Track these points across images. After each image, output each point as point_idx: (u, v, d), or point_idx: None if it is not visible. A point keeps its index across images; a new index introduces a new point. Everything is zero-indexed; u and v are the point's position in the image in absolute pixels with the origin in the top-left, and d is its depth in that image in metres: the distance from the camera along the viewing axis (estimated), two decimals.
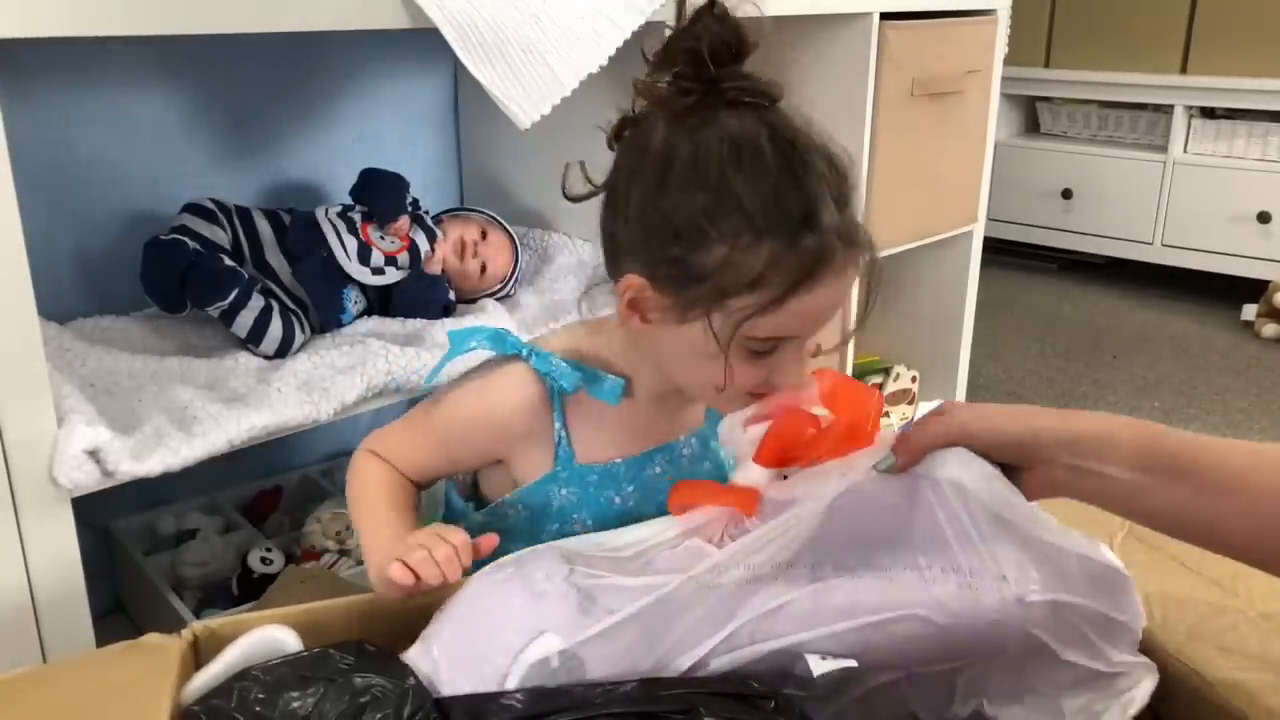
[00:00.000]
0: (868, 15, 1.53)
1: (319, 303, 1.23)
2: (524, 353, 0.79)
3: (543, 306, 1.38)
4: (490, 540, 0.74)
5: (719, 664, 0.65)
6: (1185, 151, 2.88)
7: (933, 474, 0.67)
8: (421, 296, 1.29)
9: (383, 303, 1.30)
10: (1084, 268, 3.18)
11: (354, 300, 1.27)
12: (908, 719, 0.71)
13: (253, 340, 1.15)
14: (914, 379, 2.02)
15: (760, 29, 0.71)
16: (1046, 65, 3.07)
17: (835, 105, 1.57)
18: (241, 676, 0.63)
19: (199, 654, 0.69)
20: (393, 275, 1.28)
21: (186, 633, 0.69)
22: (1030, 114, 3.31)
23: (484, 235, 1.38)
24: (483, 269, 1.36)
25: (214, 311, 1.15)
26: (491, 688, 0.64)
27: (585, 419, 0.81)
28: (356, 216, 1.27)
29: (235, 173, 1.40)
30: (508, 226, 1.42)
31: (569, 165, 0.78)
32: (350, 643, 0.67)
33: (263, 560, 1.30)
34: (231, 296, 1.14)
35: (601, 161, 0.77)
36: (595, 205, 0.77)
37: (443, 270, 1.33)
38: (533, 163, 1.54)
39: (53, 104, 1.23)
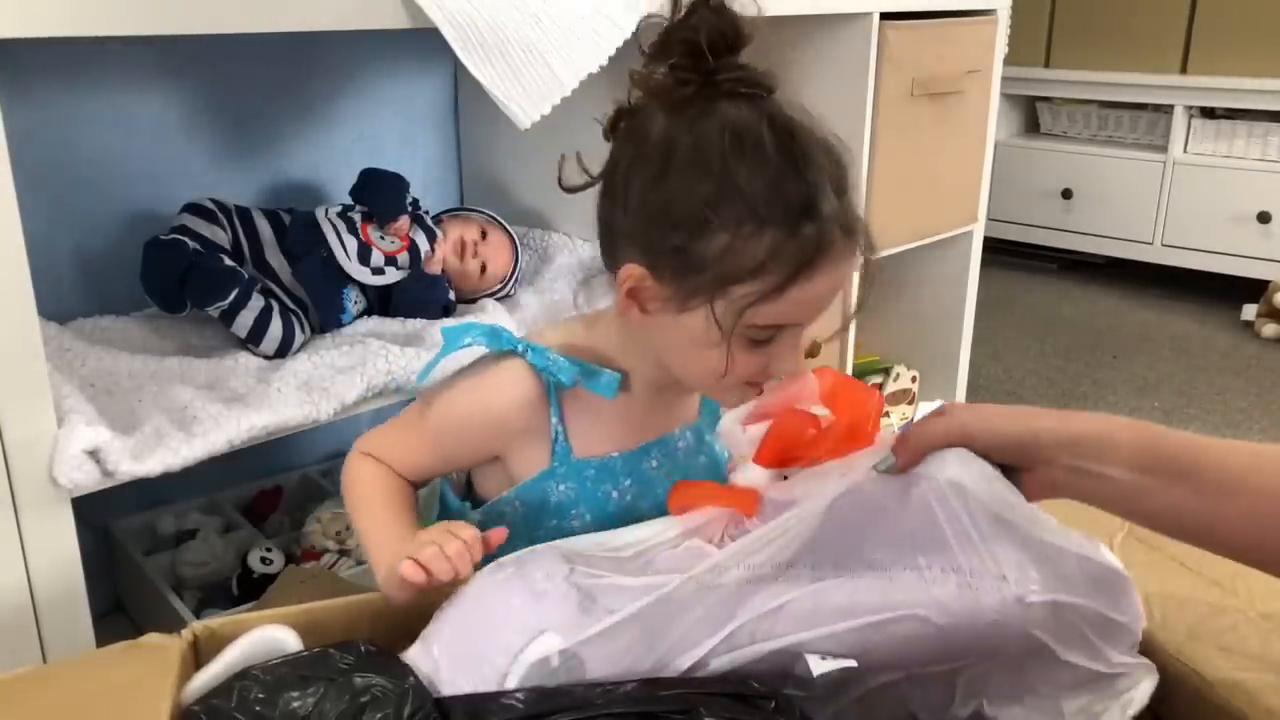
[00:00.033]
0: (868, 15, 1.53)
1: (319, 303, 1.23)
2: (520, 348, 0.79)
3: (543, 306, 1.38)
4: (500, 534, 0.74)
5: (719, 664, 0.65)
6: (1185, 151, 2.88)
7: (933, 474, 0.67)
8: (421, 296, 1.29)
9: (383, 303, 1.30)
10: (1084, 268, 3.18)
11: (354, 300, 1.27)
12: (908, 719, 0.72)
13: (253, 340, 1.15)
14: (914, 379, 2.02)
15: (754, 22, 0.71)
16: (1046, 65, 3.07)
17: (835, 105, 1.57)
18: (241, 676, 0.63)
19: (199, 654, 0.69)
20: (393, 275, 1.28)
21: (186, 633, 0.69)
22: (1030, 114, 3.31)
23: (484, 235, 1.38)
24: (483, 269, 1.36)
25: (214, 311, 1.15)
26: (491, 687, 0.64)
27: (582, 414, 0.81)
28: (356, 216, 1.27)
29: (235, 173, 1.40)
30: (508, 226, 1.42)
31: (565, 157, 0.78)
32: (350, 643, 0.67)
33: (263, 560, 1.30)
34: (231, 296, 1.14)
35: (600, 158, 0.77)
36: (595, 205, 0.77)
37: (443, 270, 1.33)
38: (533, 163, 1.54)
39: (53, 104, 1.23)
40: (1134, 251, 2.99)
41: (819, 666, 0.63)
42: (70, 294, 1.27)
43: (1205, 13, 2.76)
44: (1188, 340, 2.64)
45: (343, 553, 1.36)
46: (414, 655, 0.67)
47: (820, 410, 0.74)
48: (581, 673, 0.64)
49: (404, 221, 1.29)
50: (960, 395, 2.04)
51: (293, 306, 1.20)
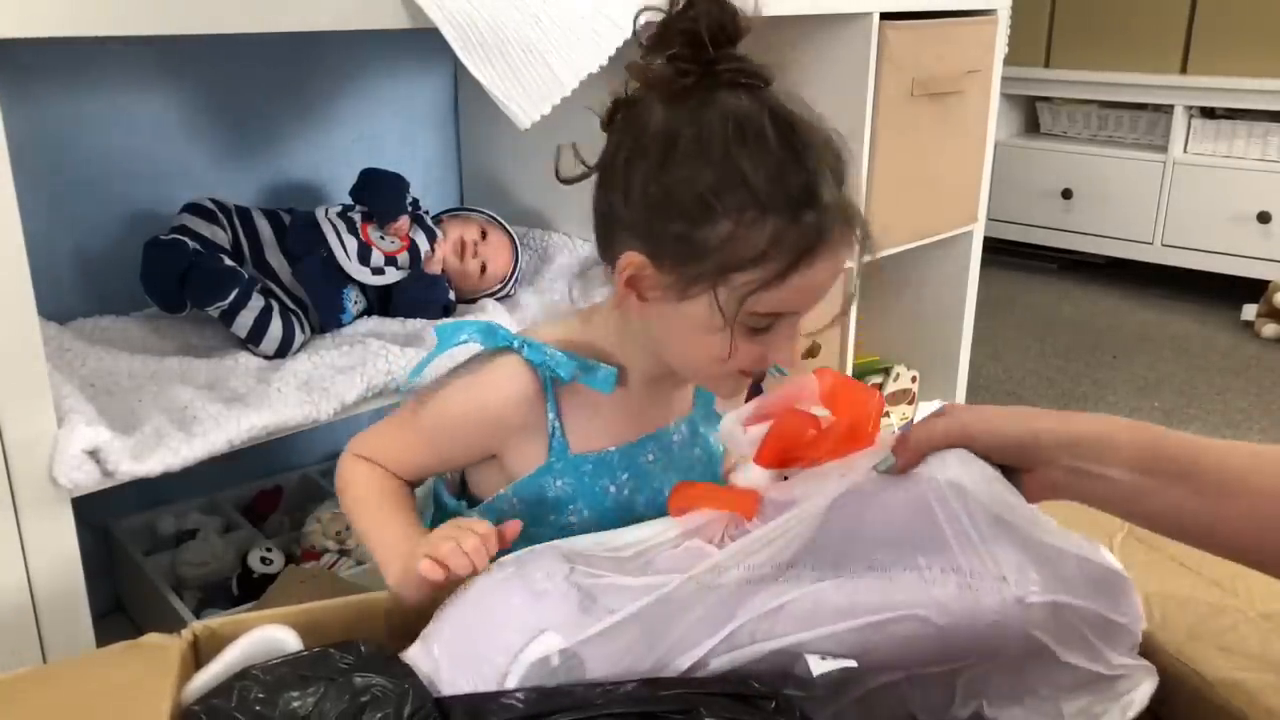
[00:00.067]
0: (868, 15, 1.53)
1: (319, 303, 1.23)
2: (515, 344, 0.79)
3: (543, 306, 1.38)
4: (514, 526, 0.74)
5: (719, 664, 0.65)
6: (1185, 151, 2.88)
7: (933, 475, 0.67)
8: (421, 296, 1.29)
9: (383, 303, 1.30)
10: (1084, 268, 3.18)
11: (354, 300, 1.27)
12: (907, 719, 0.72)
13: (253, 340, 1.15)
14: (914, 379, 2.02)
15: (750, 17, 0.72)
16: (1046, 65, 3.07)
17: (835, 105, 1.55)
18: (242, 676, 0.63)
19: (199, 654, 0.69)
20: (393, 275, 1.28)
21: (186, 633, 0.69)
22: (1030, 114, 3.31)
23: (484, 235, 1.38)
24: (483, 269, 1.36)
25: (214, 311, 1.15)
26: (492, 687, 0.64)
27: (579, 409, 0.81)
28: (356, 216, 1.27)
29: (235, 173, 1.40)
30: (508, 226, 1.42)
31: (561, 148, 0.78)
32: (350, 643, 0.67)
33: (263, 560, 1.30)
34: (231, 296, 1.14)
35: (597, 151, 0.77)
36: (591, 197, 0.77)
37: (443, 270, 1.33)
38: (533, 163, 1.54)
39: (53, 104, 1.23)
40: (1134, 251, 2.99)
41: (819, 666, 0.63)
42: (70, 294, 1.27)
43: (1205, 13, 2.76)
44: (1188, 340, 2.64)
45: (343, 553, 1.36)
46: (414, 655, 0.68)
47: (820, 411, 0.74)
48: (581, 672, 0.64)
49: (404, 221, 1.29)
50: (960, 395, 2.04)
51: (293, 306, 1.20)
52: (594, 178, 0.77)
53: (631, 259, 0.73)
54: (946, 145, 1.77)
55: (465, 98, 1.63)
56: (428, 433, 0.82)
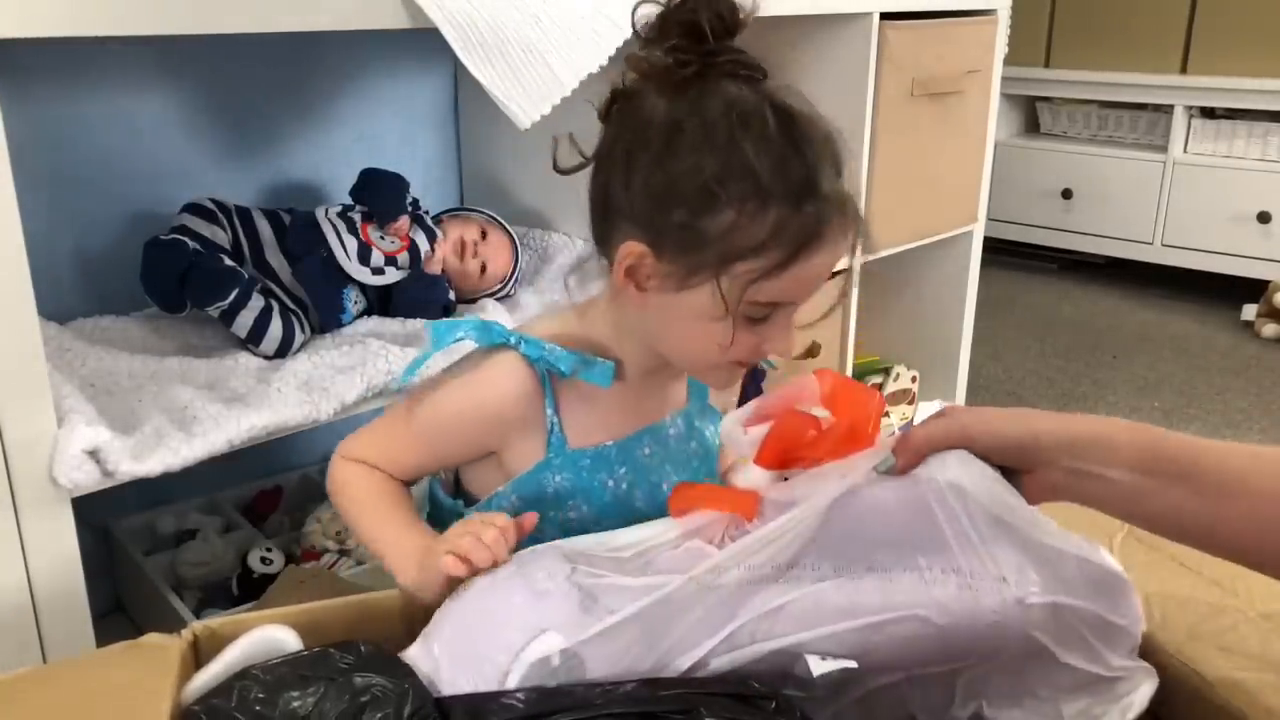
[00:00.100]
0: (868, 15, 1.53)
1: (319, 303, 1.23)
2: (512, 340, 0.79)
3: (543, 306, 1.38)
4: (531, 518, 0.75)
5: (719, 664, 0.65)
6: (1185, 151, 2.88)
7: (933, 476, 0.67)
8: (421, 296, 1.29)
9: (383, 303, 1.30)
10: (1084, 268, 3.18)
11: (354, 300, 1.27)
12: None
13: (253, 340, 1.15)
14: (914, 379, 2.02)
15: (747, 11, 0.73)
16: (1046, 65, 3.07)
17: (835, 105, 1.55)
18: (242, 676, 0.63)
19: (199, 654, 0.69)
20: (393, 275, 1.28)
21: (186, 633, 0.69)
22: (1030, 114, 3.31)
23: (484, 235, 1.38)
24: (483, 269, 1.36)
25: (214, 311, 1.15)
26: (492, 686, 0.64)
27: (576, 404, 0.81)
28: (356, 216, 1.27)
29: (235, 173, 1.40)
30: (508, 226, 1.42)
31: (558, 139, 0.78)
32: (350, 643, 0.67)
33: (263, 560, 1.30)
34: (231, 296, 1.14)
35: (595, 144, 0.77)
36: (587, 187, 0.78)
37: (443, 270, 1.33)
38: (533, 163, 1.54)
39: (53, 104, 1.23)
40: (1134, 251, 2.99)
41: (819, 667, 0.63)
42: (70, 294, 1.27)
43: (1205, 13, 2.76)
44: (1188, 340, 2.64)
45: (343, 553, 1.36)
46: (414, 654, 0.68)
47: (821, 412, 0.74)
48: (582, 672, 0.64)
49: (404, 221, 1.29)
50: (960, 395, 2.04)
51: (293, 306, 1.20)
52: (589, 170, 0.77)
53: (631, 248, 0.73)
54: (946, 145, 1.77)
55: (465, 98, 1.63)
56: (425, 432, 0.82)
